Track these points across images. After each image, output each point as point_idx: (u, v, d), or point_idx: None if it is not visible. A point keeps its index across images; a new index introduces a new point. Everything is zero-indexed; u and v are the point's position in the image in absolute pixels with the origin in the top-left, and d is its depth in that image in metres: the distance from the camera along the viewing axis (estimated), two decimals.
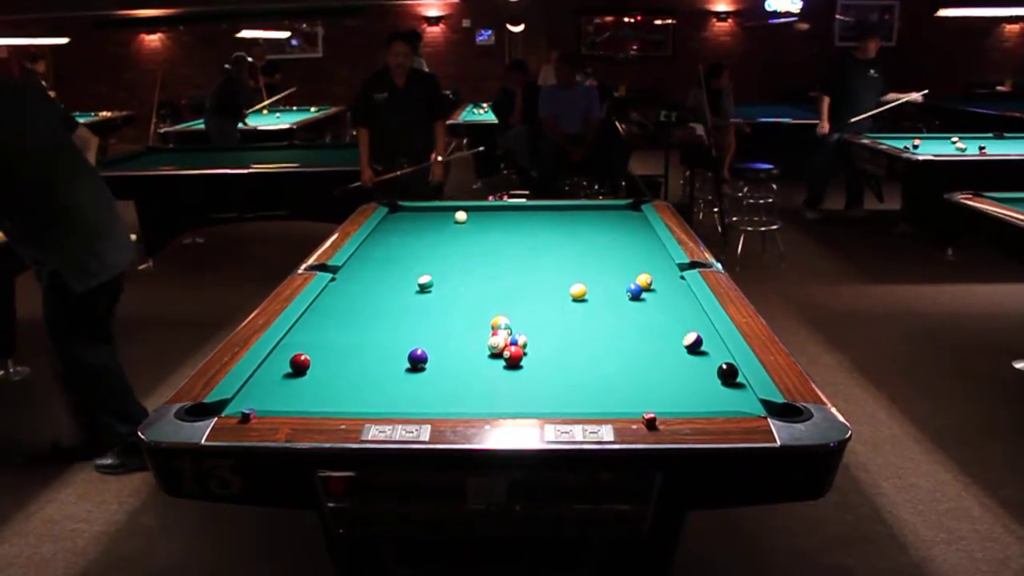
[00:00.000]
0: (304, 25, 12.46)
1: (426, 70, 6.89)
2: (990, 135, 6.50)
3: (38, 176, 2.87)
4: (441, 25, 12.62)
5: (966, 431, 3.39)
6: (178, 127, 8.94)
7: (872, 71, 6.86)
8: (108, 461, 3.14)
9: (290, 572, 2.55)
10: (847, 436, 1.60)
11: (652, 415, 1.62)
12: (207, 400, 1.79)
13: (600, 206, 4.35)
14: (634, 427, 1.62)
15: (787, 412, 1.69)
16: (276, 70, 10.10)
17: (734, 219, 6.32)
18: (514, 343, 2.06)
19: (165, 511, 2.85)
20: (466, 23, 12.61)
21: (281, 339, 2.20)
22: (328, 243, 3.23)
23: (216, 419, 1.69)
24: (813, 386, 1.82)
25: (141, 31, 12.49)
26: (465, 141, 8.43)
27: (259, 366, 2.01)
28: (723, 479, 1.64)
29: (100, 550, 2.67)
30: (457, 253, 3.22)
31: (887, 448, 3.26)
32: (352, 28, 12.17)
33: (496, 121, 8.05)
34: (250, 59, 8.26)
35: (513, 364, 2.01)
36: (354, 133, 5.67)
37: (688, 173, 7.16)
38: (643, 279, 2.60)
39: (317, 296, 2.60)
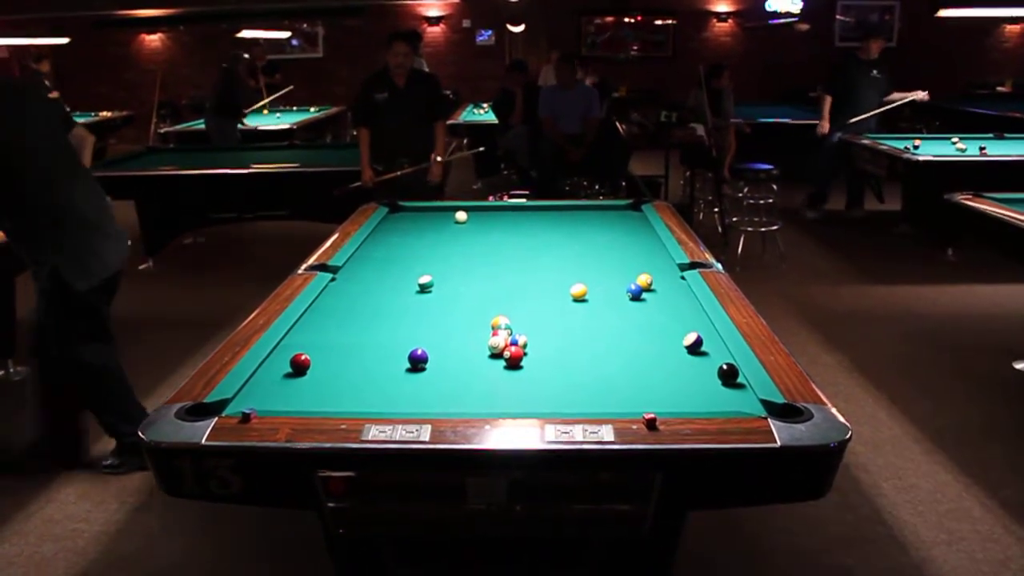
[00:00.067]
0: (304, 25, 12.47)
1: (426, 70, 6.89)
2: (990, 136, 6.50)
3: (38, 175, 2.88)
4: (441, 25, 12.62)
5: (966, 432, 3.39)
6: (178, 127, 8.94)
7: (875, 72, 6.85)
8: (108, 461, 3.14)
9: (290, 572, 2.55)
10: (847, 436, 1.60)
11: (652, 415, 1.62)
12: (207, 400, 1.79)
13: (600, 206, 4.35)
14: (634, 427, 1.62)
15: (787, 412, 1.69)
16: (276, 70, 10.11)
17: (734, 219, 6.32)
18: (514, 343, 2.06)
19: (165, 511, 2.85)
20: (466, 23, 12.61)
21: (281, 339, 2.21)
22: (328, 243, 3.23)
23: (216, 419, 1.69)
24: (813, 386, 1.82)
25: (141, 31, 12.49)
26: (465, 141, 8.43)
27: (259, 366, 2.01)
28: (723, 479, 1.64)
29: (100, 550, 2.67)
30: (457, 253, 3.22)
31: (887, 448, 3.26)
32: (352, 28, 12.18)
33: (496, 121, 8.06)
34: (246, 55, 8.25)
35: (513, 364, 2.01)
36: (354, 133, 5.67)
37: (688, 173, 7.16)
38: (643, 279, 2.60)
39: (317, 296, 2.60)
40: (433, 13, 12.52)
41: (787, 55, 11.93)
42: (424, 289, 2.66)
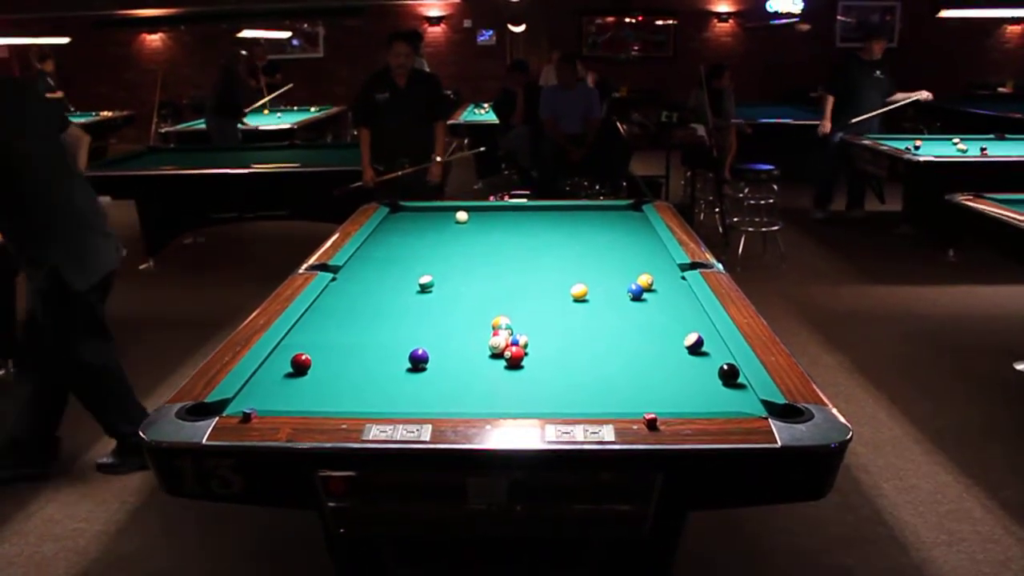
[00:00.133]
0: (305, 25, 12.48)
1: (427, 70, 6.89)
2: (991, 136, 6.50)
3: (37, 175, 2.88)
4: (442, 25, 12.63)
5: (967, 432, 3.39)
6: (179, 127, 8.94)
7: (878, 72, 6.85)
8: (108, 460, 3.14)
9: (290, 572, 2.55)
10: (848, 437, 1.60)
11: (653, 415, 1.62)
12: (208, 400, 1.79)
13: (601, 206, 4.35)
14: (635, 427, 1.62)
15: (788, 413, 1.69)
16: (277, 70, 10.11)
17: (735, 220, 6.32)
18: (515, 343, 2.06)
19: (166, 511, 2.85)
20: (467, 23, 12.62)
21: (282, 339, 2.21)
22: (329, 243, 3.23)
23: (217, 419, 1.69)
24: (814, 387, 1.82)
25: (142, 31, 12.50)
26: (466, 141, 8.44)
27: (260, 366, 2.01)
28: (724, 480, 1.64)
29: (101, 549, 2.67)
30: (458, 253, 3.22)
31: (888, 449, 3.26)
32: (353, 28, 12.19)
33: (497, 121, 8.06)
34: (244, 52, 8.24)
35: (514, 364, 2.01)
36: (355, 133, 5.67)
37: (689, 174, 7.15)
38: (644, 279, 2.60)
39: (318, 296, 2.60)
40: (434, 13, 12.52)
41: (788, 55, 11.92)
42: (425, 289, 2.66)
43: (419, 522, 1.69)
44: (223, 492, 1.64)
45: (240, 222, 6.37)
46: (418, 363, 2.00)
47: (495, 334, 2.11)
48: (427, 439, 1.59)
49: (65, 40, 10.15)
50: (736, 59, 11.54)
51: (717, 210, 6.60)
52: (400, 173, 5.12)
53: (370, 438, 1.59)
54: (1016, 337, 4.31)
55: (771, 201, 6.06)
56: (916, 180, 5.89)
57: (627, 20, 12.72)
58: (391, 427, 1.62)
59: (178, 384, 1.90)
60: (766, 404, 1.73)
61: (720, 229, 6.41)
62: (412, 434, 1.60)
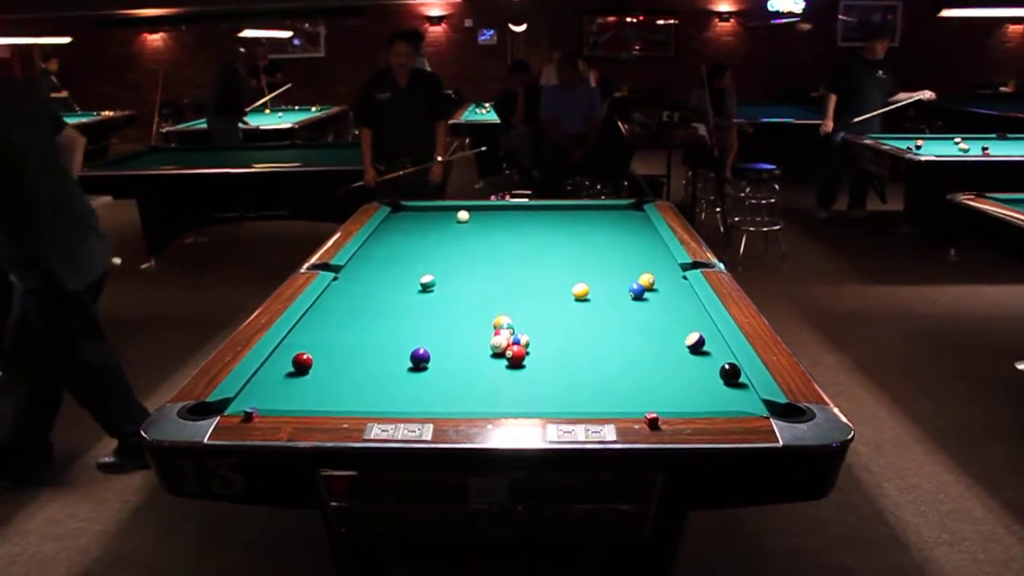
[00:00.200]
0: (306, 25, 12.49)
1: (428, 70, 6.89)
2: (993, 136, 6.50)
3: (36, 175, 2.88)
4: (443, 25, 12.63)
5: (968, 432, 3.39)
6: (180, 126, 8.95)
7: (880, 72, 6.84)
8: (109, 460, 3.15)
9: (290, 572, 2.56)
10: (849, 436, 1.60)
11: (654, 415, 1.62)
12: (209, 399, 1.79)
13: (602, 206, 4.34)
14: (636, 427, 1.62)
15: (789, 412, 1.69)
16: (278, 69, 10.12)
17: (736, 219, 6.32)
18: (516, 343, 2.06)
19: (167, 510, 2.85)
20: (468, 23, 12.62)
21: (283, 338, 2.21)
22: (330, 242, 3.23)
23: (218, 418, 1.69)
24: (815, 386, 1.82)
25: (143, 31, 12.51)
26: (467, 141, 8.44)
27: (261, 365, 2.01)
28: (725, 479, 1.64)
29: (102, 549, 2.67)
30: (459, 253, 3.22)
31: (889, 449, 3.26)
32: (354, 28, 12.19)
33: (498, 121, 8.06)
34: (242, 49, 8.23)
35: (515, 364, 2.01)
36: (356, 133, 5.67)
37: (690, 173, 7.15)
38: (645, 279, 2.60)
39: (319, 295, 2.60)
40: (435, 13, 12.52)
41: (789, 55, 11.92)
42: (426, 288, 2.66)
43: (420, 522, 1.69)
44: (224, 492, 1.64)
45: (241, 222, 6.37)
46: (419, 362, 2.00)
47: (496, 333, 2.11)
48: (428, 439, 1.59)
49: (66, 40, 10.16)
50: (737, 59, 11.54)
51: (718, 210, 6.60)
52: (401, 173, 5.12)
53: (371, 437, 1.60)
54: (1017, 337, 4.31)
55: (772, 201, 6.06)
56: (918, 180, 5.89)
57: (628, 20, 12.71)
58: (392, 426, 1.62)
59: (179, 384, 1.90)
60: (767, 404, 1.73)
61: (721, 229, 6.41)
62: (413, 433, 1.60)
